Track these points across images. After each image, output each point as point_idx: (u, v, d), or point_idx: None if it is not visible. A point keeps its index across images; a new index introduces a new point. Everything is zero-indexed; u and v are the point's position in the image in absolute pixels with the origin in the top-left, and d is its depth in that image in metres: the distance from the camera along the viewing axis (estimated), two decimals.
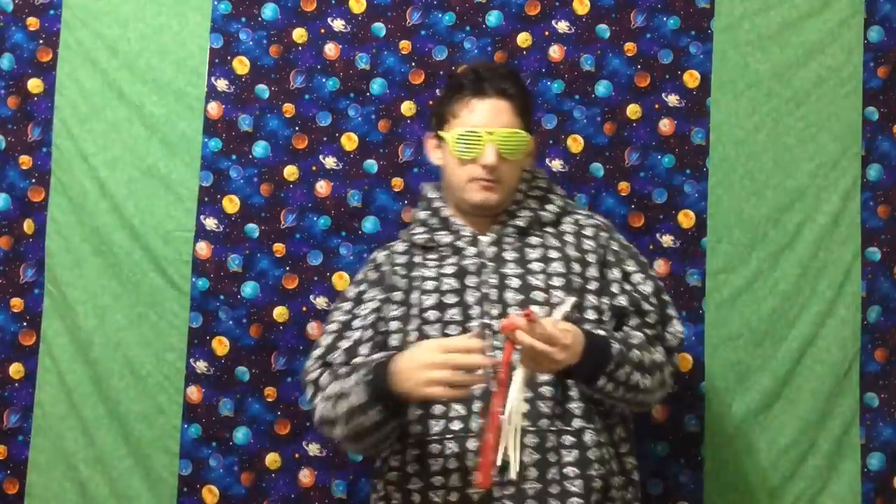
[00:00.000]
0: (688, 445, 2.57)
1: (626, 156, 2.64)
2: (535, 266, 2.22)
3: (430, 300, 2.21)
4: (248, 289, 2.63)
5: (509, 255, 2.24)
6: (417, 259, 2.28)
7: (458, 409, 2.13)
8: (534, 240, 2.26)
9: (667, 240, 2.63)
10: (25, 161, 2.66)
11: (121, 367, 2.61)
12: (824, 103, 2.64)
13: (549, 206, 2.30)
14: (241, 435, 2.60)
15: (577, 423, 2.14)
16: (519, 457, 2.02)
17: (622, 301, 2.23)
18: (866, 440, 2.57)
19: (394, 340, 2.21)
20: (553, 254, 2.24)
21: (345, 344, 2.23)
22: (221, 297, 2.62)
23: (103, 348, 2.62)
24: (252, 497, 2.59)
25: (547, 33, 2.68)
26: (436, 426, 2.14)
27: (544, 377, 2.12)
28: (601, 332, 2.12)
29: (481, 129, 2.20)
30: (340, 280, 2.62)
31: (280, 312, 2.62)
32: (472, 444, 2.10)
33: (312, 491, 2.59)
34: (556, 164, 2.64)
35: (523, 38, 2.67)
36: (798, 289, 2.60)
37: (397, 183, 2.65)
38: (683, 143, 2.64)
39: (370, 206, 2.65)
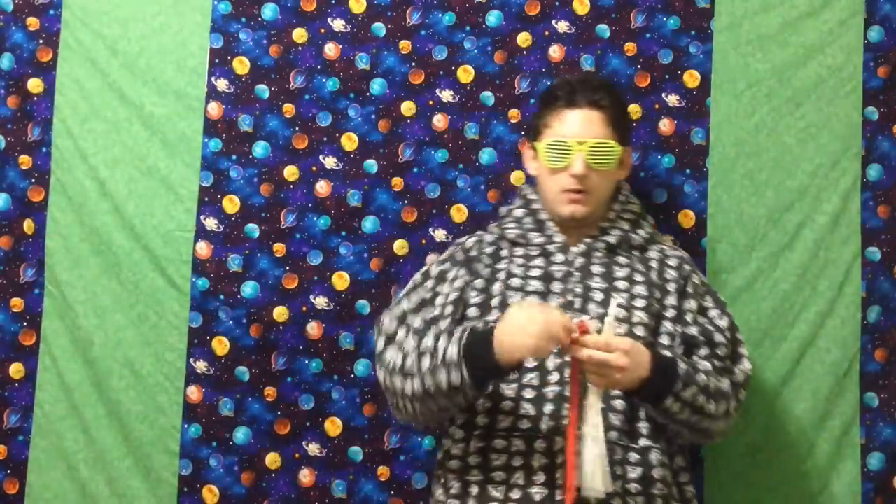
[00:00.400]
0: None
1: None
2: (621, 284, 2.27)
3: (514, 298, 2.25)
4: (248, 289, 2.63)
5: (596, 268, 2.29)
6: (504, 253, 2.34)
7: (528, 408, 2.18)
8: (622, 259, 2.32)
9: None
10: (25, 161, 2.66)
11: (121, 367, 2.61)
12: (824, 103, 2.64)
13: (640, 231, 2.37)
14: (241, 435, 2.60)
15: (643, 441, 2.19)
16: (610, 480, 2.06)
17: (693, 331, 2.27)
18: (866, 440, 2.57)
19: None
20: (638, 276, 2.29)
21: (426, 314, 2.28)
22: (221, 296, 2.62)
23: (103, 348, 2.62)
24: (252, 497, 2.59)
25: (547, 33, 2.68)
26: (504, 421, 2.19)
27: (615, 391, 2.16)
28: (668, 353, 2.16)
29: (571, 139, 2.25)
30: (340, 280, 2.62)
31: (280, 312, 2.62)
32: (539, 444, 2.15)
33: (312, 491, 2.59)
34: None
35: (523, 38, 2.67)
36: (798, 289, 2.60)
37: (397, 183, 2.65)
38: (683, 143, 2.64)
39: (370, 206, 2.65)
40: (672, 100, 2.65)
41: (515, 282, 2.28)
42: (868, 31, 2.64)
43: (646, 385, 2.09)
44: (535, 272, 2.30)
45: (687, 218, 2.63)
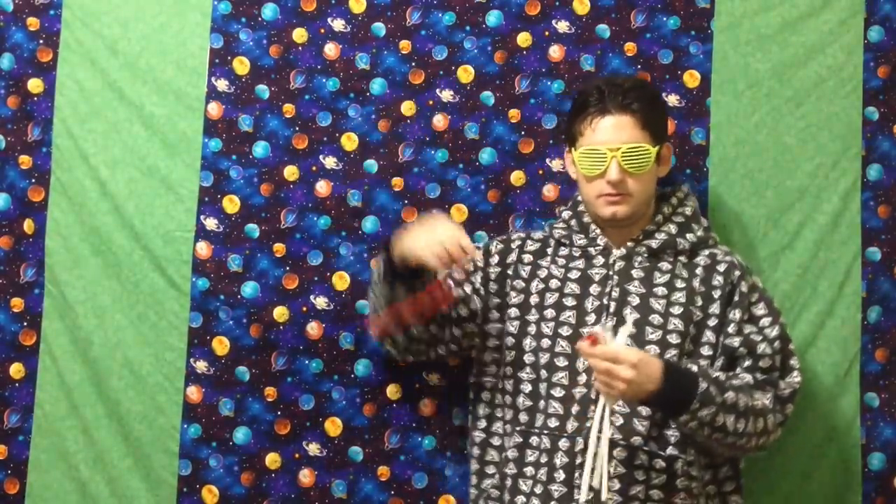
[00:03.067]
0: None
1: None
2: (659, 291, 2.29)
3: (551, 298, 2.32)
4: (249, 289, 2.62)
5: (636, 273, 2.31)
6: (549, 251, 2.39)
7: (557, 407, 2.25)
8: (664, 265, 2.33)
9: None
10: (25, 161, 2.66)
11: (121, 367, 2.61)
12: (824, 103, 2.64)
13: (688, 235, 2.36)
14: (241, 435, 2.60)
15: (671, 450, 2.22)
16: (606, 483, 2.13)
17: (735, 342, 2.27)
18: (867, 440, 2.57)
19: (511, 327, 2.36)
20: (679, 283, 2.30)
21: None
22: (221, 297, 2.62)
23: (103, 348, 2.62)
24: (252, 497, 2.59)
25: (547, 33, 2.68)
26: (539, 420, 2.26)
27: None
28: (692, 368, 2.17)
29: (603, 147, 2.27)
30: (340, 280, 2.62)
31: (280, 312, 2.62)
32: (562, 443, 2.22)
33: (312, 491, 2.59)
34: (556, 164, 2.64)
35: (523, 38, 2.67)
36: (798, 289, 2.60)
37: (397, 183, 2.65)
38: (683, 143, 2.64)
39: (370, 206, 2.65)
40: (672, 100, 2.65)
41: (554, 283, 2.33)
42: (868, 31, 2.64)
43: (658, 398, 2.11)
44: (574, 274, 2.34)
45: None
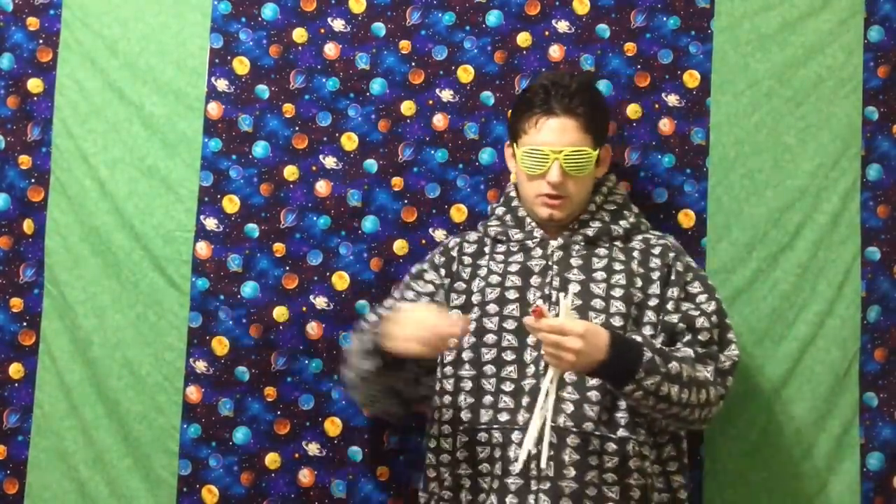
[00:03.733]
0: (689, 445, 2.57)
1: (626, 155, 2.64)
2: (598, 276, 2.31)
3: (492, 294, 2.32)
4: (248, 289, 2.62)
5: (575, 261, 2.33)
6: (486, 249, 2.40)
7: (507, 401, 2.24)
8: (601, 251, 2.35)
9: None
10: (25, 161, 2.66)
11: (120, 367, 2.61)
12: (824, 103, 2.64)
13: (622, 222, 2.39)
14: (240, 435, 2.60)
15: (621, 432, 2.22)
16: (547, 450, 2.13)
17: (674, 318, 2.29)
18: (866, 440, 2.57)
19: None
20: (617, 266, 2.32)
21: (387, 308, 2.37)
22: (221, 296, 2.62)
23: (103, 348, 2.62)
24: (252, 497, 2.59)
25: (547, 33, 2.68)
26: (485, 415, 2.25)
27: (592, 381, 2.21)
28: (637, 338, 2.17)
29: (546, 148, 2.28)
30: (340, 280, 2.62)
31: (280, 312, 2.62)
32: (516, 436, 2.21)
33: (312, 491, 2.59)
34: None
35: (523, 38, 2.67)
36: (798, 289, 2.60)
37: (397, 183, 2.65)
38: (683, 143, 2.64)
39: (370, 206, 2.65)
40: (672, 100, 2.65)
41: (494, 279, 2.34)
42: (868, 31, 2.64)
43: (605, 369, 2.10)
44: (514, 267, 2.34)
45: (687, 218, 2.63)
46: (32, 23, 2.68)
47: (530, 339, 2.25)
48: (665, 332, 2.28)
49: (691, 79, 2.66)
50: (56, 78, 2.67)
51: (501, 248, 2.39)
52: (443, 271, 2.41)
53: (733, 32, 2.65)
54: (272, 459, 2.60)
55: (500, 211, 2.45)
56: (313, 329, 2.61)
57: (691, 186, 2.63)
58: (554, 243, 2.35)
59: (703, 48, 2.66)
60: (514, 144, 2.37)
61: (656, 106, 2.65)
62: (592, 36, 2.67)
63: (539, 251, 2.35)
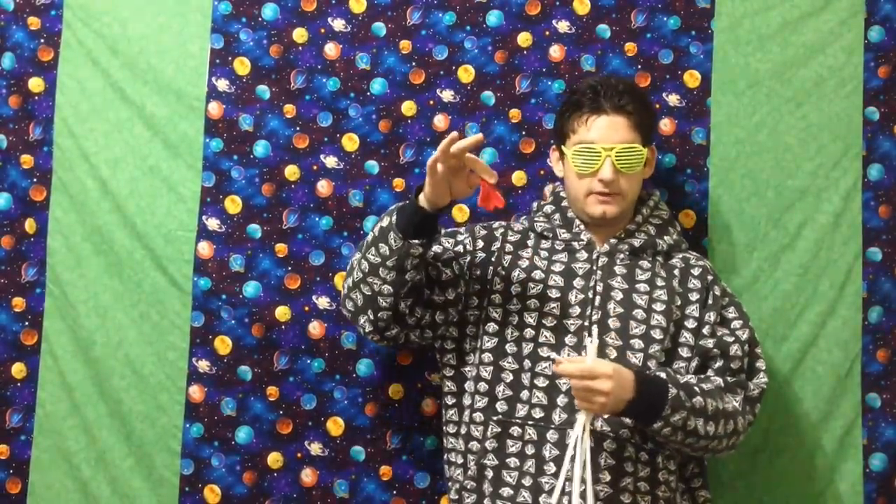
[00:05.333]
0: None
1: None
2: (641, 287, 2.33)
3: (534, 289, 2.32)
4: (250, 288, 2.63)
5: (619, 269, 2.34)
6: (530, 243, 2.41)
7: (541, 398, 2.26)
8: (644, 264, 2.36)
9: None
10: (27, 160, 2.66)
11: (122, 367, 2.62)
12: (825, 103, 2.64)
13: (666, 237, 2.40)
14: (243, 434, 2.61)
15: (651, 444, 2.24)
16: (592, 489, 2.12)
17: (709, 343, 2.30)
18: (868, 441, 2.58)
19: (494, 313, 2.34)
20: (659, 282, 2.34)
21: None
22: (223, 296, 2.62)
23: (105, 348, 2.62)
24: (254, 497, 2.60)
25: (547, 33, 2.68)
26: (521, 410, 2.26)
27: None
28: (661, 375, 2.19)
29: (598, 145, 2.29)
30: (342, 280, 2.62)
31: (282, 312, 2.62)
32: (551, 435, 2.22)
33: (314, 490, 2.60)
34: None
35: (523, 38, 2.68)
36: (799, 289, 2.61)
37: (398, 183, 2.65)
38: (684, 143, 2.65)
39: (372, 207, 2.65)
40: (672, 100, 2.65)
41: (538, 274, 2.34)
42: (868, 30, 2.65)
43: (633, 407, 2.13)
44: (557, 267, 2.35)
45: (687, 218, 2.63)
46: (33, 22, 2.68)
47: (568, 339, 2.27)
48: (699, 355, 2.29)
49: (692, 79, 2.66)
50: (57, 77, 2.67)
51: (546, 244, 2.40)
52: (480, 243, 2.40)
53: (734, 32, 2.66)
54: (274, 459, 2.60)
55: (548, 209, 2.45)
56: (315, 329, 2.62)
57: (692, 186, 2.63)
58: (600, 249, 2.36)
59: (703, 48, 2.66)
60: (562, 146, 2.38)
61: (657, 106, 2.64)
62: (593, 36, 2.67)
63: (584, 254, 2.36)
